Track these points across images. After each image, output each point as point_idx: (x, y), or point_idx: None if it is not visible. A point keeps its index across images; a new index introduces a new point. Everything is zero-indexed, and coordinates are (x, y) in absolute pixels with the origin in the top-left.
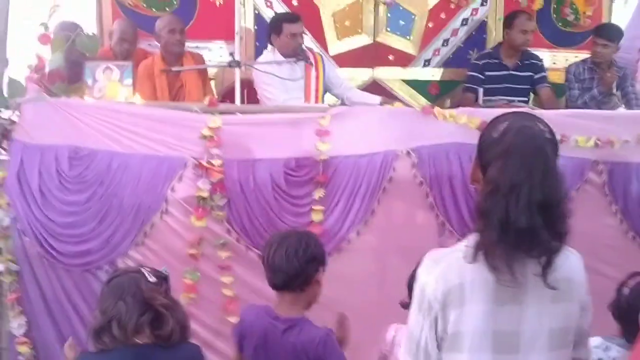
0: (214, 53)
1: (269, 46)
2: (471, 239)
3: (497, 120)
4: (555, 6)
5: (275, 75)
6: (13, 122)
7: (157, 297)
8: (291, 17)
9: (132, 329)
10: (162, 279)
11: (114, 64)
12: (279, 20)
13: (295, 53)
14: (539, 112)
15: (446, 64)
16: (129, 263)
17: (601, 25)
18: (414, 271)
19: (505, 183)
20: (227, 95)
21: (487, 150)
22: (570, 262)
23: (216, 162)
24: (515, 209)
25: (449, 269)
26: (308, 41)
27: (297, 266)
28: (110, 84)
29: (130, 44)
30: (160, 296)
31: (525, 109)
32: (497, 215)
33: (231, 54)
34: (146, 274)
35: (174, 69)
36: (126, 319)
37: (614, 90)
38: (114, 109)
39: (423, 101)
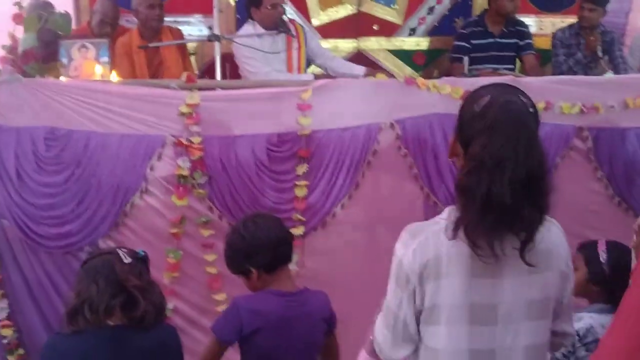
0: (194, 27)
1: (249, 19)
2: (448, 212)
3: (477, 93)
4: None
5: (255, 49)
6: None
7: (129, 279)
8: None
9: (103, 311)
10: (138, 259)
11: (90, 42)
12: None
13: (276, 25)
14: (523, 80)
15: (432, 32)
16: (110, 244)
17: None
18: None
19: (489, 159)
20: (208, 70)
21: (468, 125)
22: (550, 233)
23: (196, 139)
24: (500, 186)
25: (426, 242)
26: (290, 12)
27: (291, 236)
28: (86, 62)
29: (112, 26)
30: (134, 278)
31: (508, 78)
32: (480, 192)
33: (210, 28)
34: (121, 255)
35: (152, 44)
36: (97, 301)
37: (599, 54)
38: (90, 87)
39: (409, 71)
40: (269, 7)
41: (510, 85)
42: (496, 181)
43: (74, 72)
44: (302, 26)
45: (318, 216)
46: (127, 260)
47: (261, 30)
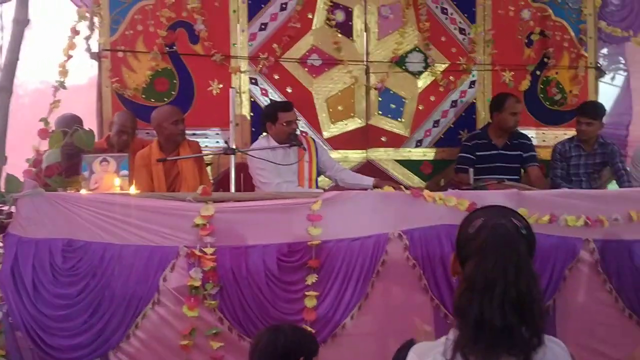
0: (211, 139)
1: (265, 133)
2: (452, 333)
3: (473, 215)
4: (541, 86)
5: (268, 161)
6: (9, 216)
7: None
8: (285, 106)
9: None
10: None
11: (111, 156)
12: (274, 109)
13: (289, 139)
14: (527, 193)
15: (438, 143)
16: (120, 356)
17: (583, 104)
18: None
19: (479, 281)
20: (224, 180)
21: (464, 246)
22: (555, 355)
23: (208, 250)
24: (490, 308)
25: None
26: (302, 125)
27: (280, 355)
28: (107, 176)
29: (129, 135)
30: None
31: (512, 191)
32: (472, 314)
33: (226, 142)
34: None
35: (170, 158)
36: None
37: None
38: (108, 200)
39: (417, 180)
40: (284, 124)
41: (505, 208)
42: (486, 303)
43: (94, 184)
44: (313, 139)
45: (328, 327)
46: None
47: (274, 143)
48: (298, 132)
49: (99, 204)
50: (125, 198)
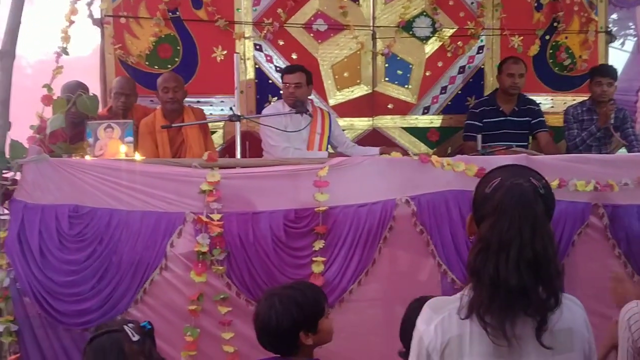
0: (215, 107)
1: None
2: (467, 291)
3: (490, 174)
4: (551, 51)
5: (276, 128)
6: (15, 183)
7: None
8: (288, 69)
9: None
10: (146, 335)
11: (115, 123)
12: (282, 72)
13: (295, 104)
14: (536, 158)
15: (445, 110)
16: None
17: (600, 65)
18: (404, 319)
19: (494, 241)
20: (230, 148)
21: (480, 206)
22: (571, 312)
23: (215, 216)
24: (505, 268)
25: (449, 319)
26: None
27: (275, 334)
28: (112, 142)
29: (127, 97)
30: (143, 357)
31: (522, 155)
32: (487, 274)
33: (231, 109)
34: (129, 333)
35: (174, 125)
36: None
37: (611, 122)
38: (114, 166)
39: (423, 148)
40: (284, 86)
41: (524, 167)
42: (502, 263)
43: (99, 151)
44: (329, 114)
45: (335, 293)
46: (135, 337)
47: (287, 107)
48: (317, 104)
49: (104, 170)
50: (130, 164)
